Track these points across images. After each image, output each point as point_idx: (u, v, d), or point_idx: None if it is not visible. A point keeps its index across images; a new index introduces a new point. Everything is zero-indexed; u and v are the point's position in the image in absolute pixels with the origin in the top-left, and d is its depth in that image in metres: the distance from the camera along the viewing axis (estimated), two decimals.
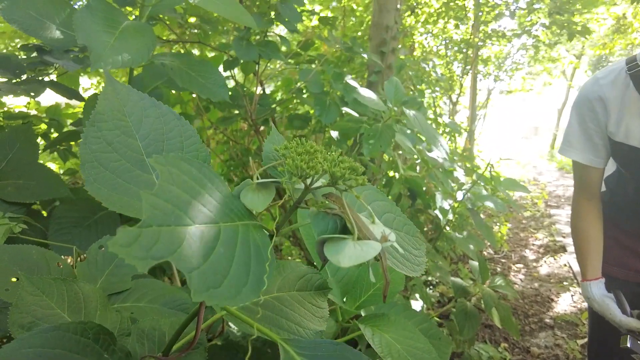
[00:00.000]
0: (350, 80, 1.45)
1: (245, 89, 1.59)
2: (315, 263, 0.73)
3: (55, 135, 1.64)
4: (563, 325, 2.48)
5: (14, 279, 0.59)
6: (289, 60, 1.74)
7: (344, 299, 0.73)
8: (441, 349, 0.87)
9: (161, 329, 0.55)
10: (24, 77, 1.24)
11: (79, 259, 0.74)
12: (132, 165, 0.40)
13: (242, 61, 1.32)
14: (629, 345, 0.92)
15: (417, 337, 0.70)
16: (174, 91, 1.80)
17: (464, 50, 5.15)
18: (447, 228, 2.26)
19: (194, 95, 1.85)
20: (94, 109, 0.41)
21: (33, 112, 1.89)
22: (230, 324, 0.84)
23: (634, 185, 1.00)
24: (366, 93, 1.22)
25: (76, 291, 0.51)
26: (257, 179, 0.35)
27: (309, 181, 0.35)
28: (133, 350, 0.50)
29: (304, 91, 1.67)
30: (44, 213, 1.11)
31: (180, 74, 0.86)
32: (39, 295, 0.48)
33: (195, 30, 1.73)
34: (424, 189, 1.99)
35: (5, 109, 1.79)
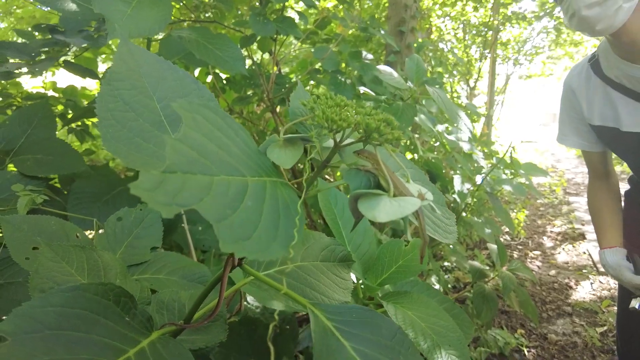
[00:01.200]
0: (368, 58, 1.42)
1: (262, 68, 1.56)
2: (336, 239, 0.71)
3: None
4: (582, 313, 2.44)
5: (33, 248, 0.58)
6: (306, 40, 1.71)
7: (365, 276, 0.71)
8: (464, 330, 0.85)
9: (180, 301, 0.54)
10: (38, 58, 1.24)
11: (98, 232, 0.74)
12: (150, 125, 0.38)
13: (258, 38, 1.29)
14: (637, 307, 0.93)
15: (441, 315, 0.68)
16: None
17: (483, 33, 5.02)
18: (464, 213, 2.22)
19: (208, 80, 1.83)
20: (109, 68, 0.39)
21: (50, 93, 1.90)
22: (248, 299, 0.83)
23: (631, 165, 1.08)
24: (386, 70, 1.18)
25: (95, 259, 0.50)
26: (284, 134, 0.33)
27: (338, 137, 0.32)
28: (153, 320, 0.49)
29: (321, 71, 1.64)
30: (65, 192, 1.12)
31: (197, 47, 0.84)
32: (58, 262, 0.48)
33: (209, 14, 1.70)
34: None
35: (23, 89, 1.81)
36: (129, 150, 0.34)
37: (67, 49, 1.36)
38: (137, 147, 0.35)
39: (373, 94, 1.42)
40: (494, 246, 1.65)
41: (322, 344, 0.30)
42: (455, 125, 1.75)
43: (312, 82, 1.77)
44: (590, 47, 6.15)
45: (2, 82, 1.81)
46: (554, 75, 7.99)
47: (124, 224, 0.66)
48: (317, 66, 1.73)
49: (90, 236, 0.80)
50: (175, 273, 0.62)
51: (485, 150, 2.74)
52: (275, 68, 1.49)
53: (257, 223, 0.25)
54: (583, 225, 3.75)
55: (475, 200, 2.15)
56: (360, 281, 0.70)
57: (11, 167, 0.97)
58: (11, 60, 1.23)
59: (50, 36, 1.24)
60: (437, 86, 1.30)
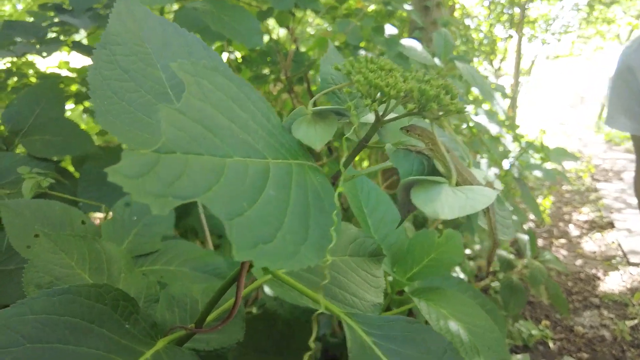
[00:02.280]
0: (391, 32, 1.33)
1: (279, 45, 1.49)
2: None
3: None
4: (610, 305, 2.34)
5: (35, 236, 0.54)
6: (325, 15, 1.62)
7: (394, 270, 0.65)
8: (499, 328, 0.79)
9: (193, 296, 0.49)
10: (47, 39, 1.19)
11: (107, 217, 0.69)
12: (153, 97, 0.32)
13: (276, 12, 1.22)
14: None
15: (477, 314, 0.62)
16: None
17: (509, 11, 4.79)
18: None
19: (224, 57, 1.76)
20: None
21: (65, 73, 1.87)
22: (265, 289, 0.78)
23: None
24: (412, 44, 1.09)
25: (98, 251, 0.45)
26: (313, 107, 0.27)
27: (381, 109, 0.26)
28: (162, 318, 0.44)
29: (342, 48, 1.55)
30: (76, 175, 1.08)
31: (212, 19, 0.77)
32: (57, 253, 0.43)
33: None
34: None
35: (37, 69, 1.77)
36: (128, 126, 0.29)
37: (76, 28, 1.31)
38: (138, 123, 0.29)
39: None
40: (524, 236, 1.56)
41: None
42: (481, 105, 1.65)
43: None
44: (624, 26, 5.84)
45: (17, 61, 1.78)
46: (583, 55, 7.65)
47: (133, 209, 0.61)
48: (336, 43, 1.64)
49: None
50: (187, 264, 0.57)
51: (512, 134, 2.62)
52: (293, 45, 1.42)
53: (282, 219, 0.19)
54: (612, 213, 3.60)
55: (503, 185, 2.06)
56: (389, 276, 0.64)
57: (21, 150, 0.94)
58: (18, 40, 1.18)
59: (58, 16, 1.19)
60: (467, 63, 1.21)
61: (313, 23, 2.17)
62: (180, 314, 0.47)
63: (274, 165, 0.22)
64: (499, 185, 0.25)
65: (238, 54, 1.77)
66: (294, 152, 0.24)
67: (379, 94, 0.23)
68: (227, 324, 0.48)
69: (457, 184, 0.23)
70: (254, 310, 0.85)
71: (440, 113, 0.23)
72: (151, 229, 0.60)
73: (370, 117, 0.28)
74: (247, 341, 0.61)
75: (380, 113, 0.26)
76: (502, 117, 1.38)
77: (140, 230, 0.59)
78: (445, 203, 0.21)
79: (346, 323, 0.26)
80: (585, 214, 3.72)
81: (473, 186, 0.22)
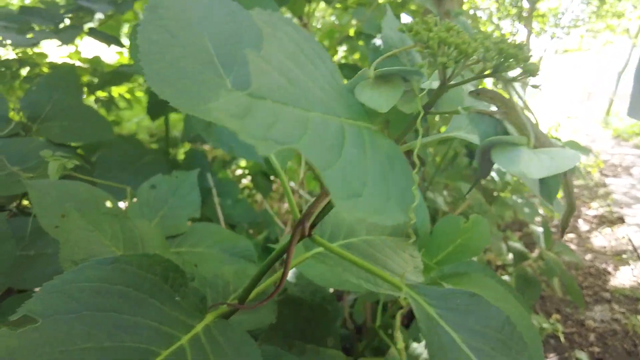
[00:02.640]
0: (407, 21, 1.31)
1: None
2: None
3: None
4: (622, 300, 2.32)
5: (62, 216, 0.53)
6: (337, 5, 1.60)
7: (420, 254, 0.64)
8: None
9: (225, 277, 0.48)
10: (62, 25, 1.18)
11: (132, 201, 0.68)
12: (200, 65, 0.31)
13: (290, 0, 1.20)
14: None
15: (507, 299, 0.61)
16: None
17: (518, 4, 4.75)
18: (496, 193, 2.11)
19: None
20: None
21: (77, 63, 1.86)
22: (290, 276, 0.77)
23: None
24: None
25: (131, 229, 0.44)
26: (374, 70, 0.26)
27: (449, 72, 0.25)
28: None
29: (353, 38, 1.54)
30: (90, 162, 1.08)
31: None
32: (91, 230, 0.42)
33: None
34: None
35: (50, 60, 1.77)
36: (177, 92, 0.28)
37: (92, 14, 1.30)
38: (186, 91, 0.28)
39: None
40: (538, 228, 1.55)
41: (431, 336, 0.23)
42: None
43: (343, 48, 1.67)
44: (634, 19, 5.77)
45: (29, 52, 1.78)
46: (592, 50, 7.57)
47: (158, 192, 0.60)
48: (350, 33, 1.63)
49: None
50: (215, 246, 0.56)
51: None
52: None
53: (365, 176, 0.18)
54: (622, 208, 3.57)
55: (515, 178, 2.04)
56: None
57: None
58: (36, 28, 1.18)
59: (76, 2, 1.18)
60: None
61: (320, 18, 2.16)
62: (213, 295, 0.46)
63: (347, 124, 0.21)
64: (574, 151, 0.24)
65: None
66: (361, 115, 0.23)
67: (456, 52, 0.22)
68: (261, 307, 0.48)
69: (535, 147, 0.22)
70: (275, 297, 0.84)
71: (519, 72, 0.22)
72: (177, 211, 0.59)
73: (432, 84, 0.27)
74: (274, 324, 0.61)
75: (448, 75, 0.25)
76: (522, 104, 1.36)
77: (166, 212, 0.59)
78: (530, 162, 0.20)
79: (410, 295, 0.25)
80: (595, 209, 3.70)
81: (552, 148, 0.21)
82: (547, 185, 0.21)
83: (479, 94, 0.24)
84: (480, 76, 0.24)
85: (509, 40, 0.23)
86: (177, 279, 0.28)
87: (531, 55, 0.23)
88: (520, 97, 0.24)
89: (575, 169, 0.22)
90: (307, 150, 0.16)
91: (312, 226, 0.31)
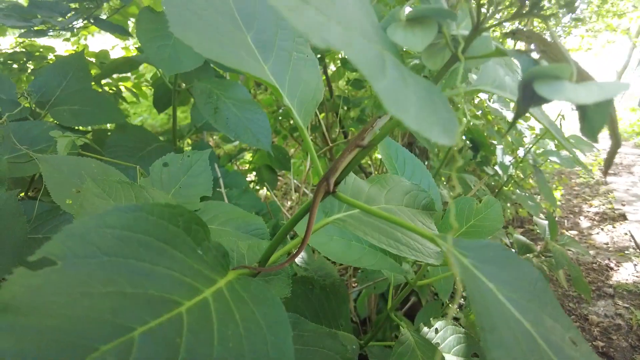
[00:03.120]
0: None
1: None
2: None
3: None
4: (625, 295, 2.32)
5: (76, 191, 0.53)
6: None
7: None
8: None
9: (240, 251, 0.48)
10: (69, 15, 1.18)
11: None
12: (222, 18, 0.30)
13: None
14: None
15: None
16: None
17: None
18: (504, 187, 2.10)
19: None
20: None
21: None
22: (297, 260, 0.77)
23: None
24: None
25: (146, 197, 0.44)
26: (406, 12, 0.25)
27: (482, 15, 0.24)
28: None
29: None
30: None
31: None
32: (105, 198, 0.42)
33: None
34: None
35: (56, 53, 1.77)
36: (201, 39, 0.27)
37: (96, 5, 1.30)
38: (210, 40, 0.28)
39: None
40: (543, 221, 1.55)
41: (469, 285, 0.22)
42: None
43: None
44: (635, 19, 5.77)
45: (36, 45, 1.78)
46: (592, 50, 7.58)
47: (170, 170, 0.60)
48: None
49: None
50: (228, 224, 0.56)
51: (526, 124, 2.59)
52: None
53: (410, 97, 0.18)
54: (624, 205, 3.56)
55: (518, 172, 2.04)
56: None
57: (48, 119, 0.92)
58: (43, 18, 1.17)
59: None
60: None
61: None
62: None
63: (386, 54, 0.20)
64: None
65: None
66: (395, 51, 0.23)
67: None
68: (275, 279, 0.47)
69: (577, 81, 0.21)
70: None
71: (561, 7, 0.21)
72: (189, 189, 0.59)
73: (462, 31, 0.26)
74: (287, 302, 0.60)
75: (481, 18, 0.25)
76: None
77: (179, 190, 0.58)
78: (578, 91, 0.19)
79: (442, 245, 0.25)
80: (596, 206, 3.70)
81: (594, 81, 0.21)
82: (590, 121, 0.21)
83: (515, 34, 0.23)
84: (514, 16, 0.23)
85: None
86: (200, 232, 0.28)
87: None
88: (556, 39, 0.23)
89: (614, 106, 0.21)
90: (357, 57, 0.15)
91: (336, 183, 0.30)
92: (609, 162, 0.23)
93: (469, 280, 0.23)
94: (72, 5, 1.20)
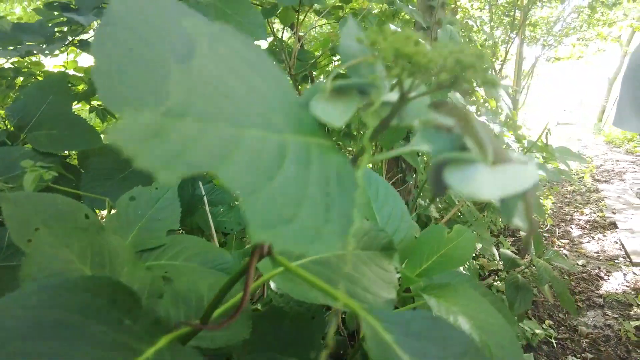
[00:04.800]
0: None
1: (284, 43, 1.47)
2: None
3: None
4: (614, 305, 2.32)
5: (36, 230, 0.52)
6: (329, 16, 1.60)
7: (403, 265, 0.63)
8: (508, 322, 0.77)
9: (199, 292, 0.47)
10: (55, 36, 1.17)
11: (111, 212, 0.67)
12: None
13: (280, 9, 1.20)
14: None
15: (489, 311, 0.60)
16: None
17: (510, 13, 4.80)
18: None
19: None
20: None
21: (72, 72, 1.86)
22: (272, 285, 0.76)
23: None
24: None
25: (101, 244, 0.43)
26: (332, 82, 0.25)
27: (407, 85, 0.24)
28: (166, 314, 0.42)
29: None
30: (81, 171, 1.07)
31: (215, 11, 0.76)
32: (58, 247, 0.41)
33: None
34: None
35: (45, 69, 1.76)
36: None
37: (82, 27, 1.30)
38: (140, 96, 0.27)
39: None
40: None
41: None
42: (488, 105, 1.63)
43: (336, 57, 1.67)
44: (625, 27, 5.83)
45: (24, 61, 1.77)
46: (584, 58, 7.64)
47: (137, 204, 0.59)
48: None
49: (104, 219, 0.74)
50: (194, 259, 0.55)
51: (514, 134, 2.60)
52: (297, 44, 1.40)
53: (302, 199, 0.17)
54: (614, 213, 3.58)
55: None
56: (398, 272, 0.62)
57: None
58: (27, 43, 1.17)
59: (62, 15, 1.18)
60: None
61: (316, 25, 2.16)
62: (186, 310, 0.45)
63: (293, 141, 0.20)
64: (535, 167, 0.23)
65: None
66: (313, 130, 0.22)
67: (411, 64, 0.22)
68: (234, 321, 0.47)
69: (494, 164, 0.21)
70: (260, 307, 0.83)
71: (477, 84, 0.21)
72: (156, 223, 0.58)
73: (392, 96, 0.26)
74: (252, 339, 0.59)
75: (407, 88, 0.24)
76: (508, 113, 1.36)
77: (145, 224, 0.57)
78: (485, 182, 0.19)
79: (364, 319, 0.24)
80: (587, 214, 3.71)
81: (512, 165, 0.20)
82: (506, 205, 0.21)
83: (437, 107, 0.23)
84: (435, 89, 0.23)
85: (469, 50, 0.22)
86: (127, 302, 0.27)
87: (491, 66, 0.22)
88: (507, 105, 0.23)
89: (536, 187, 0.21)
90: (229, 175, 0.15)
91: None
92: (526, 246, 0.22)
93: (381, 356, 0.22)
94: (57, 30, 1.20)
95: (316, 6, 1.36)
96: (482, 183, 0.19)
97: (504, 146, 0.28)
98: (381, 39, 0.23)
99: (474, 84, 0.22)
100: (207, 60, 0.18)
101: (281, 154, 0.18)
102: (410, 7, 1.73)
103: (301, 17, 1.34)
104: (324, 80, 0.24)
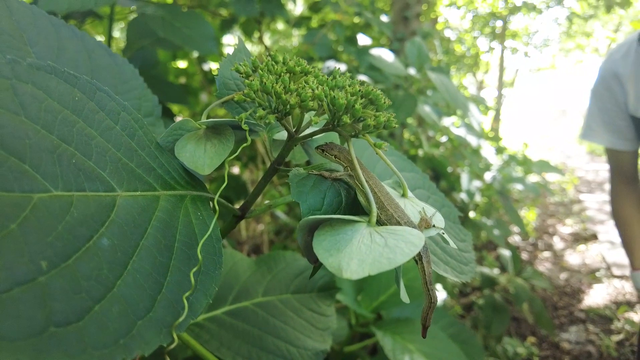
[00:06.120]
0: (364, 42, 1.29)
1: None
2: None
3: None
4: (596, 320, 2.30)
5: None
6: (299, 26, 1.58)
7: (358, 298, 0.59)
8: (473, 357, 0.73)
9: None
10: None
11: None
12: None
13: (241, 21, 1.17)
14: None
15: (449, 349, 0.56)
16: (179, 65, 1.67)
17: (491, 24, 4.87)
18: (473, 213, 2.09)
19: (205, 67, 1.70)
20: None
21: None
22: None
23: None
24: (382, 54, 1.05)
25: None
26: (207, 119, 0.21)
27: (294, 123, 0.20)
28: None
29: (315, 59, 1.51)
30: None
31: (162, 25, 0.72)
32: None
33: None
34: (449, 170, 1.82)
35: None
36: None
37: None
38: None
39: (370, 82, 1.29)
40: (506, 252, 1.52)
41: None
42: (462, 117, 1.62)
43: None
44: (602, 39, 5.96)
45: None
46: (564, 68, 7.80)
47: None
48: (312, 55, 1.61)
49: None
50: None
51: (495, 146, 2.60)
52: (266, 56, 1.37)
53: (113, 282, 0.13)
54: (595, 225, 3.60)
55: (485, 199, 2.02)
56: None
57: None
58: None
59: None
60: (443, 74, 1.17)
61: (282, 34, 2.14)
62: None
63: (126, 199, 0.16)
64: (440, 221, 0.19)
65: (214, 66, 1.71)
66: (171, 179, 0.18)
67: (278, 103, 0.18)
68: None
69: (380, 223, 0.17)
70: None
71: (355, 128, 0.17)
72: None
73: (285, 134, 0.22)
74: None
75: (294, 128, 0.21)
76: (476, 128, 1.34)
77: None
78: (355, 254, 0.15)
79: None
80: (570, 225, 3.72)
81: (398, 227, 0.16)
82: (397, 275, 0.17)
83: (323, 150, 0.19)
84: (321, 130, 0.19)
85: (353, 88, 0.18)
86: None
87: (385, 104, 0.19)
88: (380, 154, 0.20)
89: (426, 251, 0.17)
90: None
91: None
92: (425, 320, 0.19)
93: None
94: None
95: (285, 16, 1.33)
96: (351, 256, 0.14)
97: (408, 197, 0.24)
98: (258, 71, 0.20)
99: (370, 126, 0.18)
100: (5, 111, 0.13)
101: (99, 217, 0.14)
102: (385, 16, 1.72)
103: (264, 28, 1.31)
104: (189, 119, 0.20)
